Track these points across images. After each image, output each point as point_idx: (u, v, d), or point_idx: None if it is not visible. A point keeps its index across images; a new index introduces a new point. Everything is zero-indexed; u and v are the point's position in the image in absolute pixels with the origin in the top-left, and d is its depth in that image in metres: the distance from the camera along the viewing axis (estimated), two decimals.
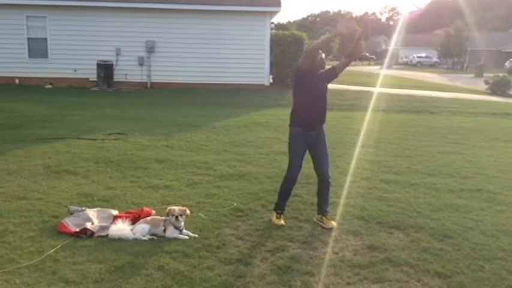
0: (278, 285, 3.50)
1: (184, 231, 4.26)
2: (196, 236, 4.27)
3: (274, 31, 20.13)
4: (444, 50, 53.27)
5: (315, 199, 5.21)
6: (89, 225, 4.32)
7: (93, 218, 4.50)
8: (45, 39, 17.93)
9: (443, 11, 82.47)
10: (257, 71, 18.49)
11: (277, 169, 6.61)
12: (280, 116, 11.69)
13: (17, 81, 17.64)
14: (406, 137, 9.91)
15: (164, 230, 4.23)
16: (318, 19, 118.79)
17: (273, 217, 4.70)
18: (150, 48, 18.04)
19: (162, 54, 18.15)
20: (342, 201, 5.30)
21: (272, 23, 20.74)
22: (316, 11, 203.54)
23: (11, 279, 3.43)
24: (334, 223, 4.61)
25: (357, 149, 8.02)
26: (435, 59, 59.50)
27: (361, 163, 7.21)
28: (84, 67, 17.63)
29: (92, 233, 4.23)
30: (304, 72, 4.53)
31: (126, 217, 4.43)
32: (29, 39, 17.90)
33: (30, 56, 17.98)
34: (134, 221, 4.39)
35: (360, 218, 4.88)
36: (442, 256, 4.03)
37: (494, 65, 42.03)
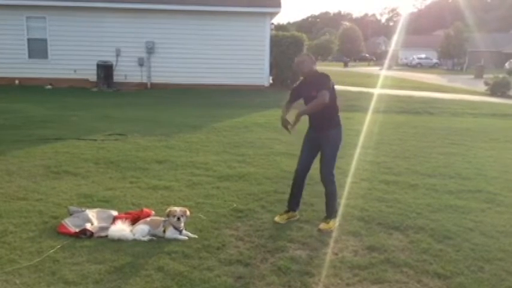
0: (278, 285, 3.50)
1: (184, 232, 4.26)
2: (196, 236, 4.27)
3: (274, 32, 20.15)
4: (444, 51, 53.31)
5: (314, 200, 5.23)
6: (88, 225, 4.32)
7: (93, 218, 4.49)
8: (45, 39, 17.94)
9: (443, 12, 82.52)
10: (257, 71, 18.50)
11: (277, 170, 6.62)
12: (280, 116, 11.66)
13: (17, 81, 17.65)
14: (406, 138, 9.91)
15: (164, 231, 4.23)
16: (318, 20, 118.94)
17: (279, 213, 4.82)
18: (150, 49, 18.05)
19: (161, 55, 18.16)
20: (342, 202, 5.30)
21: (272, 23, 20.76)
22: (316, 12, 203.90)
23: (10, 279, 3.43)
24: (324, 226, 4.56)
25: (357, 150, 8.01)
26: (435, 60, 59.53)
27: (361, 164, 7.21)
28: (84, 68, 17.64)
29: (92, 233, 4.23)
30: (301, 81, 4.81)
31: (126, 218, 4.43)
32: (29, 39, 17.91)
33: (30, 56, 17.99)
34: (134, 221, 4.39)
35: (359, 219, 4.88)
36: (441, 257, 4.03)
37: (495, 66, 42.08)
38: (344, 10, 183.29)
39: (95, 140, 8.42)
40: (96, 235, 4.22)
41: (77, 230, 4.24)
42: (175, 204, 4.85)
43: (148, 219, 4.41)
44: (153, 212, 4.68)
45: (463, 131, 11.19)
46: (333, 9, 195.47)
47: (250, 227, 4.57)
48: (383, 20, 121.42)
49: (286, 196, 4.96)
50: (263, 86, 18.51)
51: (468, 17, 56.27)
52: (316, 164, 4.77)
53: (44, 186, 5.64)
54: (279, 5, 18.29)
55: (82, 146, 7.94)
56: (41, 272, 3.55)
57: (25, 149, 7.53)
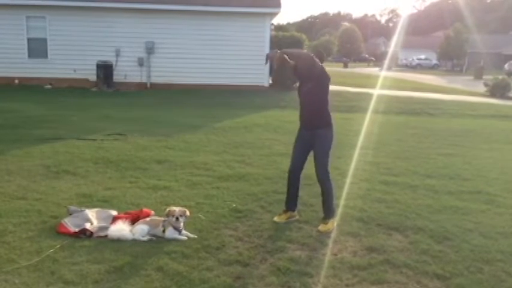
0: (277, 286, 3.50)
1: (183, 232, 4.26)
2: (196, 236, 4.27)
3: (274, 32, 20.15)
4: (444, 52, 53.33)
5: (314, 200, 5.23)
6: (88, 225, 4.32)
7: (93, 218, 4.49)
8: (45, 39, 17.91)
9: (443, 13, 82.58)
10: (257, 72, 18.48)
11: (277, 170, 6.61)
12: (280, 117, 11.71)
13: (16, 81, 17.61)
14: (406, 138, 9.92)
15: (163, 231, 4.23)
16: (317, 20, 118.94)
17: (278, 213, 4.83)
18: (150, 49, 18.03)
19: (161, 55, 18.15)
20: (341, 202, 5.30)
21: (272, 24, 20.76)
22: (316, 12, 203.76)
23: (10, 279, 3.43)
24: (324, 227, 4.56)
25: (357, 151, 8.02)
26: (435, 61, 59.56)
27: (360, 165, 7.21)
28: (84, 67, 17.62)
29: (91, 233, 4.23)
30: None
31: (126, 218, 4.43)
32: (28, 39, 17.87)
33: (29, 56, 17.96)
34: (133, 221, 4.39)
35: (359, 220, 4.88)
36: (441, 258, 4.03)
37: (494, 67, 42.03)
38: (344, 11, 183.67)
39: (95, 139, 8.41)
40: (95, 235, 4.22)
41: (77, 229, 4.24)
42: (174, 204, 4.84)
43: (147, 219, 4.41)
44: (152, 212, 4.68)
45: (463, 132, 11.20)
46: (332, 10, 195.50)
47: (249, 227, 4.57)
48: (383, 21, 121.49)
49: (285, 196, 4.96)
50: (263, 86, 18.50)
51: (468, 18, 56.28)
52: (309, 164, 4.77)
53: (43, 185, 5.64)
54: (278, 6, 18.30)
55: (81, 145, 7.94)
56: (40, 271, 3.55)
57: (24, 148, 7.52)
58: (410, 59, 60.85)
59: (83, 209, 4.67)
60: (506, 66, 42.15)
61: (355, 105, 15.06)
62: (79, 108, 12.50)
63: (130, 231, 4.22)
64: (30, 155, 7.07)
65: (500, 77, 23.02)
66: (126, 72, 18.01)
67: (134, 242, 4.12)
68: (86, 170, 6.39)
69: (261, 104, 14.83)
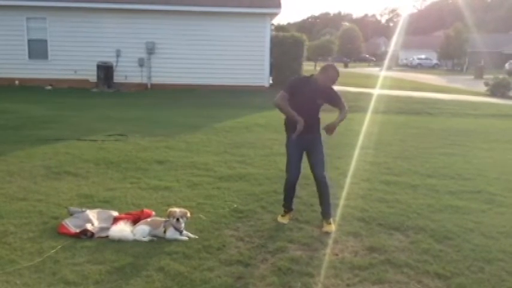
0: (278, 286, 3.50)
1: (184, 232, 4.27)
2: (197, 237, 4.27)
3: (274, 32, 20.16)
4: (444, 51, 53.31)
5: (314, 200, 5.22)
6: (89, 226, 4.32)
7: (93, 219, 4.50)
8: (46, 40, 17.94)
9: (443, 13, 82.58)
10: (257, 72, 18.50)
11: (277, 170, 6.61)
12: (280, 117, 11.67)
13: (17, 82, 17.65)
14: (406, 138, 9.91)
15: (164, 231, 4.23)
16: (317, 20, 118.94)
17: (280, 215, 4.81)
18: (150, 50, 18.05)
19: (162, 55, 18.16)
20: (342, 202, 5.31)
21: (272, 24, 20.77)
22: (316, 12, 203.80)
23: (11, 280, 3.43)
24: (331, 228, 4.57)
25: (357, 151, 8.02)
26: (435, 61, 59.52)
27: (361, 164, 7.21)
28: (84, 68, 17.64)
29: (92, 234, 4.24)
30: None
31: (127, 218, 4.43)
32: (29, 40, 17.92)
33: (30, 57, 18.00)
34: (134, 222, 4.39)
35: (360, 220, 4.88)
36: (442, 257, 4.03)
37: (495, 67, 42.02)
38: (344, 11, 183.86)
39: (95, 140, 8.42)
40: (96, 235, 4.22)
41: (78, 230, 4.25)
42: (175, 205, 4.85)
43: (148, 219, 4.41)
44: (153, 213, 4.68)
45: (463, 131, 11.19)
46: (332, 10, 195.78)
47: (250, 228, 4.57)
48: (383, 21, 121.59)
49: None
50: (263, 86, 18.51)
51: (468, 17, 56.30)
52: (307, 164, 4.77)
53: (44, 186, 5.65)
54: (279, 6, 18.30)
55: (82, 146, 7.94)
56: (42, 272, 3.55)
57: (25, 149, 7.53)
58: (411, 59, 60.84)
59: (83, 210, 4.68)
60: (506, 65, 42.10)
61: (356, 105, 15.03)
62: (80, 109, 12.50)
63: (132, 231, 4.22)
64: (31, 156, 7.08)
65: (500, 76, 22.99)
66: (127, 72, 18.03)
67: (135, 242, 4.12)
68: (86, 171, 6.39)
69: (262, 104, 14.81)
